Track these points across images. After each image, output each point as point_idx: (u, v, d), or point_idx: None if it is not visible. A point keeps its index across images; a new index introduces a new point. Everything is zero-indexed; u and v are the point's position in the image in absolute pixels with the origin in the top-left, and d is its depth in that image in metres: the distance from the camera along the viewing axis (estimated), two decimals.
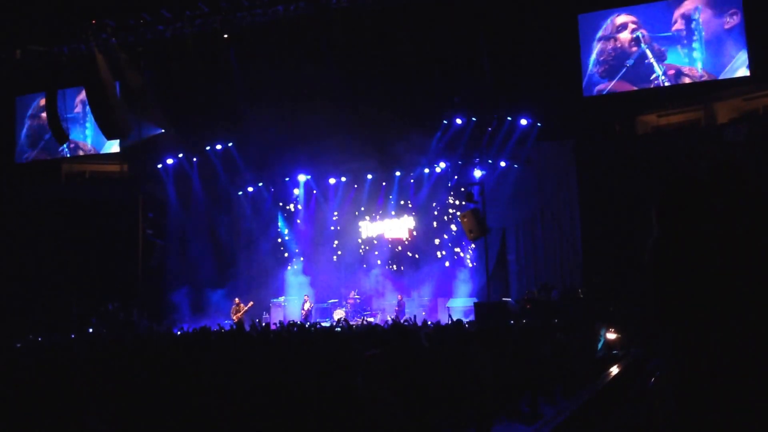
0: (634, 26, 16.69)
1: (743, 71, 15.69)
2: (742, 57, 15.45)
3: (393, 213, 21.07)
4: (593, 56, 17.00)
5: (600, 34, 16.80)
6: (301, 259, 21.44)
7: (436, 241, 20.27)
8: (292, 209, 22.01)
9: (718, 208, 2.67)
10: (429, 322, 13.51)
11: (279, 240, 21.88)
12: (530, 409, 8.16)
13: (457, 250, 19.93)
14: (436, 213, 20.48)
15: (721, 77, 15.95)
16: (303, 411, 5.43)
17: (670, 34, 16.18)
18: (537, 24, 16.68)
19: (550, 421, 6.20)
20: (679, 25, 16.12)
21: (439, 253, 20.06)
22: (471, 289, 18.79)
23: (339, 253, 21.21)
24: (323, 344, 9.37)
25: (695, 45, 15.92)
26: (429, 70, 17.66)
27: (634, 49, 16.68)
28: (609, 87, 17.09)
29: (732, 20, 15.25)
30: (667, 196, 2.77)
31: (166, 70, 18.60)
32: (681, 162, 14.92)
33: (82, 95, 20.84)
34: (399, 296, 19.03)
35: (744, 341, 2.50)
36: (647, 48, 16.58)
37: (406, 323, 13.69)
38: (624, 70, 16.86)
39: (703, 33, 15.56)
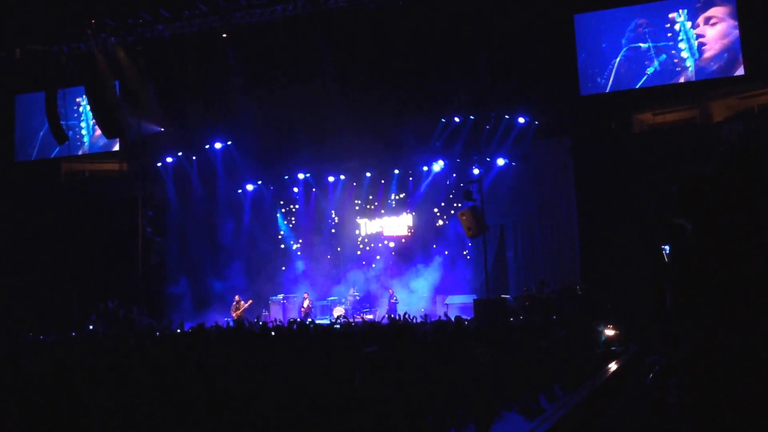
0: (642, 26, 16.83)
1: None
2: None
3: (392, 210, 21.17)
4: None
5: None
6: (301, 256, 21.52)
7: (435, 239, 20.37)
8: (292, 207, 22.08)
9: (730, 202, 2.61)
10: (425, 318, 13.60)
11: (278, 238, 21.95)
12: (530, 405, 8.25)
13: (456, 247, 20.03)
14: (435, 210, 20.58)
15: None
16: (302, 408, 5.50)
17: (668, 42, 16.42)
18: (534, 23, 16.76)
19: (551, 416, 6.31)
20: (675, 26, 16.37)
21: (437, 251, 20.16)
22: (469, 286, 18.90)
23: (338, 250, 21.31)
24: (322, 341, 9.44)
25: (683, 46, 16.20)
26: (427, 70, 17.73)
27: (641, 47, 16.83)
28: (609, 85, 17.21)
29: None
30: (694, 191, 2.71)
31: (165, 69, 18.63)
32: (678, 159, 15.00)
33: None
34: (390, 291, 19.09)
35: None
36: (650, 45, 16.72)
37: (406, 320, 13.76)
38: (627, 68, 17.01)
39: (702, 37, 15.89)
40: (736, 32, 15.93)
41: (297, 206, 22.00)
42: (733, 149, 2.71)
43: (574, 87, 17.51)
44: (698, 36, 16.21)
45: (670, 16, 16.55)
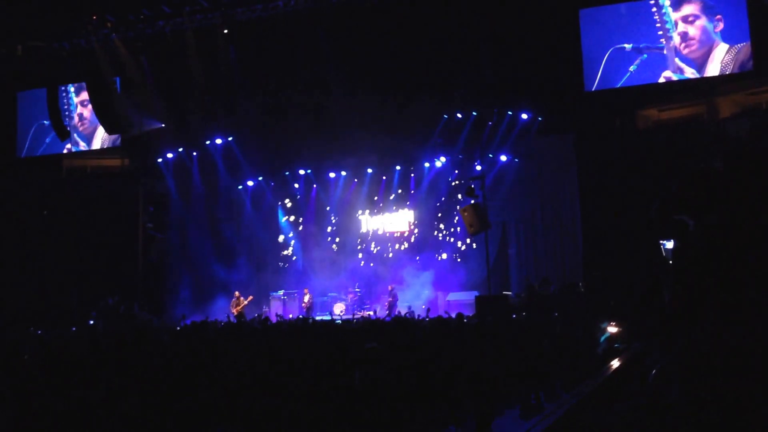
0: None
1: (726, 62, 16.10)
2: (724, 50, 16.08)
3: (393, 207, 21.08)
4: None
5: None
6: (301, 252, 21.46)
7: (437, 235, 20.27)
8: (292, 203, 22.01)
9: (741, 198, 2.55)
10: (425, 315, 13.51)
11: (279, 234, 21.89)
12: (531, 402, 8.16)
13: (458, 244, 19.93)
14: (436, 207, 20.49)
15: (708, 70, 16.33)
16: (301, 405, 5.43)
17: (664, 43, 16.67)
18: (538, 18, 16.62)
19: (551, 414, 6.22)
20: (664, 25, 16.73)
21: (439, 247, 20.06)
22: (471, 283, 18.80)
23: (339, 246, 21.22)
24: (322, 337, 9.39)
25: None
26: (429, 65, 17.62)
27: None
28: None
29: (720, 25, 16.27)
30: (696, 188, 2.65)
31: (166, 65, 18.57)
32: (684, 156, 14.88)
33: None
34: (390, 287, 19.00)
35: None
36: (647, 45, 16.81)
37: (408, 316, 13.69)
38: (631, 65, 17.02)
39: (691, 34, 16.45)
40: (711, 25, 16.20)
41: (298, 202, 21.92)
42: (743, 146, 2.66)
43: (579, 83, 17.36)
44: (682, 34, 16.46)
45: (659, 13, 16.76)
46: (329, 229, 21.44)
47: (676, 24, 16.50)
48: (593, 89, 17.24)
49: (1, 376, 6.85)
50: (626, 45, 16.82)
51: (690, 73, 16.52)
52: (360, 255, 20.85)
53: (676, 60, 16.52)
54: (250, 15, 17.51)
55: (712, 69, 16.30)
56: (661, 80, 16.78)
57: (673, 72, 16.57)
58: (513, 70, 17.30)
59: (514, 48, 16.95)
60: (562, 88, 17.52)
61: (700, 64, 16.39)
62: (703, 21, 16.31)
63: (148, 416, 5.40)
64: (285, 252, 21.66)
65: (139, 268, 20.74)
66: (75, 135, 21.31)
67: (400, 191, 20.96)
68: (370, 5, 16.68)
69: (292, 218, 21.96)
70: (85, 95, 20.37)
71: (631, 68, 16.75)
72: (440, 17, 16.79)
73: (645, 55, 16.69)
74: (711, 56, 16.21)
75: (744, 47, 15.99)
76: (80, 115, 21.50)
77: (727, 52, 16.07)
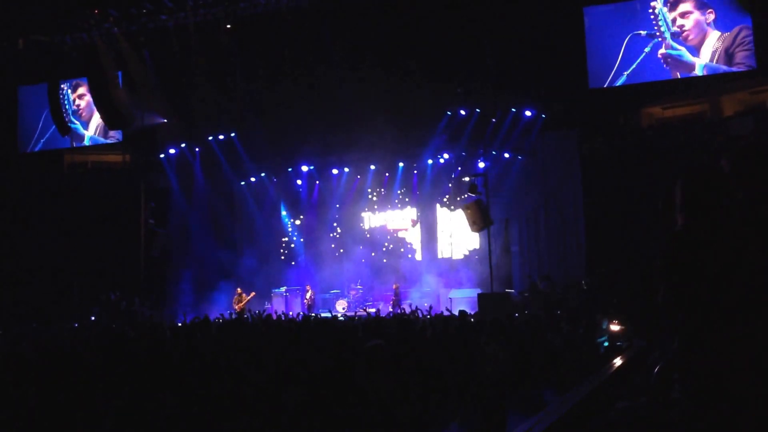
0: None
1: (717, 47, 16.41)
2: (714, 37, 16.47)
3: (396, 203, 21.04)
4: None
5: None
6: (304, 249, 21.43)
7: (439, 232, 20.23)
8: (295, 199, 21.98)
9: (746, 197, 2.56)
10: (427, 312, 13.46)
11: (281, 230, 21.86)
12: (533, 399, 8.13)
13: (460, 241, 19.89)
14: (439, 204, 20.43)
15: (701, 53, 16.63)
16: (302, 403, 5.40)
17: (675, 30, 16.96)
18: (543, 15, 16.56)
19: (553, 411, 6.17)
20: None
21: (441, 244, 20.02)
22: (474, 281, 18.76)
23: (341, 243, 21.19)
24: (324, 335, 9.34)
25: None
26: (433, 61, 17.58)
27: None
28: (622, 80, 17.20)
29: (710, 16, 16.66)
30: (693, 186, 2.65)
31: (168, 60, 18.53)
32: (687, 154, 14.88)
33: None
34: (395, 285, 18.99)
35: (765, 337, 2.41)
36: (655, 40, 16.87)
37: (417, 312, 13.65)
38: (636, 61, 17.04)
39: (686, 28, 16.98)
40: (704, 18, 16.60)
41: (300, 198, 21.89)
42: (749, 144, 2.66)
43: (583, 80, 17.31)
44: (679, 27, 16.83)
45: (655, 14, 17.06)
46: (332, 225, 21.41)
47: (673, 21, 16.83)
48: (605, 85, 17.19)
49: (1, 373, 6.83)
50: (641, 31, 17.07)
51: (685, 52, 16.79)
52: (363, 252, 20.81)
53: (674, 44, 16.87)
54: (253, 10, 17.46)
55: (705, 52, 16.53)
56: (659, 56, 17.01)
57: (667, 49, 16.89)
58: (517, 67, 17.25)
59: (518, 45, 16.90)
60: (566, 85, 17.47)
61: (695, 48, 16.68)
62: (696, 15, 16.73)
63: (148, 412, 5.37)
64: (287, 248, 21.61)
65: (140, 264, 20.73)
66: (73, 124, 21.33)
67: (403, 188, 20.93)
68: (373, 1, 16.63)
69: (294, 214, 21.93)
70: (81, 90, 20.42)
71: (646, 49, 16.99)
72: (444, 14, 16.72)
73: (655, 40, 16.88)
74: (704, 42, 16.56)
75: (732, 33, 16.33)
76: (78, 106, 21.52)
77: (719, 38, 16.42)
